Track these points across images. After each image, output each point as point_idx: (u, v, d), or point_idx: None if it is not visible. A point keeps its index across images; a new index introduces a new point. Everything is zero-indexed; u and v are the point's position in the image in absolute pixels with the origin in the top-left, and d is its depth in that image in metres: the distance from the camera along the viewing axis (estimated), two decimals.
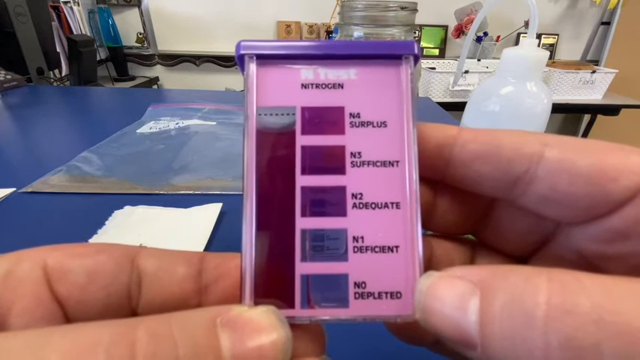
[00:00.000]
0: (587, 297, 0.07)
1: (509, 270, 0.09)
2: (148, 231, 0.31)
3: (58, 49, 1.31)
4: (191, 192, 0.38)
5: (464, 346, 0.09)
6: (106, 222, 0.32)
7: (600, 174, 0.10)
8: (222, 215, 0.34)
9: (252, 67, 0.12)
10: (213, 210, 0.34)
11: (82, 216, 0.34)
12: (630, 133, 1.89)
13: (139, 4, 1.82)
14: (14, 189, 0.37)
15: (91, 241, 0.30)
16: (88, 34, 1.64)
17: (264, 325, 0.09)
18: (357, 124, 0.12)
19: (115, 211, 0.34)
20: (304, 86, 0.12)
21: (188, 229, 0.32)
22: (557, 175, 0.10)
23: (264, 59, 0.12)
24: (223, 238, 0.31)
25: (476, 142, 0.11)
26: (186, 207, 0.34)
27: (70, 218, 0.34)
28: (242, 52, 0.12)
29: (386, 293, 0.11)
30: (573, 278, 0.08)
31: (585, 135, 1.94)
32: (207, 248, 0.30)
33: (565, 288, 0.08)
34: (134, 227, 0.32)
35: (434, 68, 1.55)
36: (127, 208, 0.34)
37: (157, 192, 0.38)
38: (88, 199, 0.37)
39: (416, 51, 0.12)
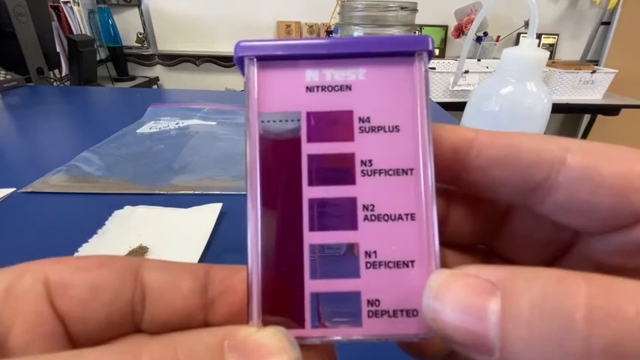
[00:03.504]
0: (631, 301, 0.07)
1: (536, 270, 0.08)
2: (148, 231, 0.31)
3: (58, 49, 1.31)
4: (191, 192, 0.38)
5: (478, 352, 0.08)
6: (106, 222, 0.32)
7: (626, 184, 0.09)
8: (222, 215, 0.33)
9: (253, 69, 0.11)
10: (213, 210, 0.34)
11: (82, 216, 0.34)
12: (630, 133, 1.89)
13: (139, 4, 1.82)
14: (14, 189, 0.37)
15: (91, 240, 0.30)
16: (88, 34, 1.64)
17: (273, 348, 0.09)
18: (367, 130, 0.11)
19: (115, 211, 0.34)
20: (309, 89, 0.11)
21: (188, 229, 0.32)
22: (580, 183, 0.10)
23: (265, 61, 0.11)
24: (223, 238, 0.31)
25: (494, 146, 0.11)
26: (186, 207, 0.34)
27: (70, 218, 0.34)
28: (241, 53, 0.11)
29: (401, 311, 0.10)
30: (612, 281, 0.07)
31: (585, 135, 1.94)
32: (207, 248, 0.30)
33: (606, 290, 0.07)
34: (134, 227, 0.32)
35: (434, 68, 1.55)
36: (127, 208, 0.34)
37: (157, 192, 0.38)
38: (88, 199, 0.37)
39: (430, 47, 0.11)
